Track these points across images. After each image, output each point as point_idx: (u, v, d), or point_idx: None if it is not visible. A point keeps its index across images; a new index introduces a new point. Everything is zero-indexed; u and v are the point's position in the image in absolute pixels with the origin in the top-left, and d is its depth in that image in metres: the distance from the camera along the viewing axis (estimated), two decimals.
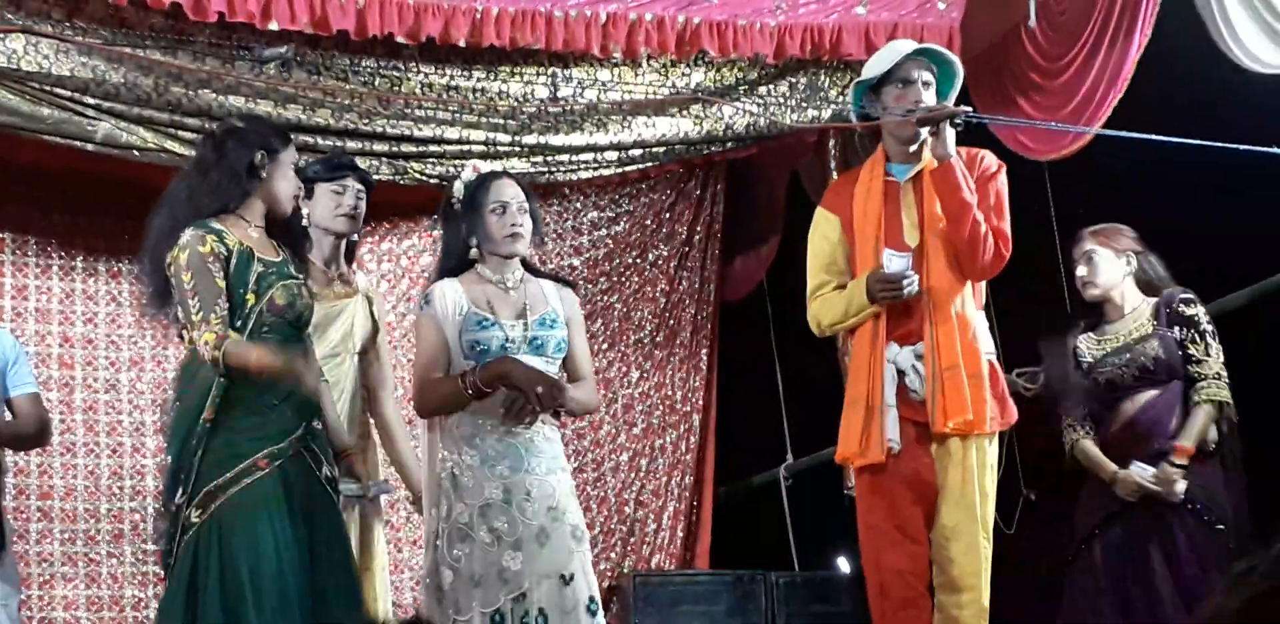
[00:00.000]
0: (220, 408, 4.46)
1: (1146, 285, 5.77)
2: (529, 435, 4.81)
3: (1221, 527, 5.44)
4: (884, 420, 4.94)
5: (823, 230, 5.22)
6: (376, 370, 5.49)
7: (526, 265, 5.01)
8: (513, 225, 4.90)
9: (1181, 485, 5.43)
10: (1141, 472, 5.46)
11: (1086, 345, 5.79)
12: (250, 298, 4.52)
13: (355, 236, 5.51)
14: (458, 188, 5.05)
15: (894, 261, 4.95)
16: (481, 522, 4.73)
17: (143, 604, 7.29)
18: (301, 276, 4.74)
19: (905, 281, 4.93)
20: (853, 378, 5.12)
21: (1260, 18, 5.86)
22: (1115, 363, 5.67)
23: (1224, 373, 5.55)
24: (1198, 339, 5.58)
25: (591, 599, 4.74)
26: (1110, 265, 5.75)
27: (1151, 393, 5.62)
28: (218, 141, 4.70)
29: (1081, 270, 5.77)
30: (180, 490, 4.45)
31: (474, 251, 4.95)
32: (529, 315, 4.87)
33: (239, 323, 4.48)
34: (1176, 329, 5.62)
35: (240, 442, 4.46)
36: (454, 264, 4.97)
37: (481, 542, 4.71)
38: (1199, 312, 5.64)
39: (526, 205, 4.93)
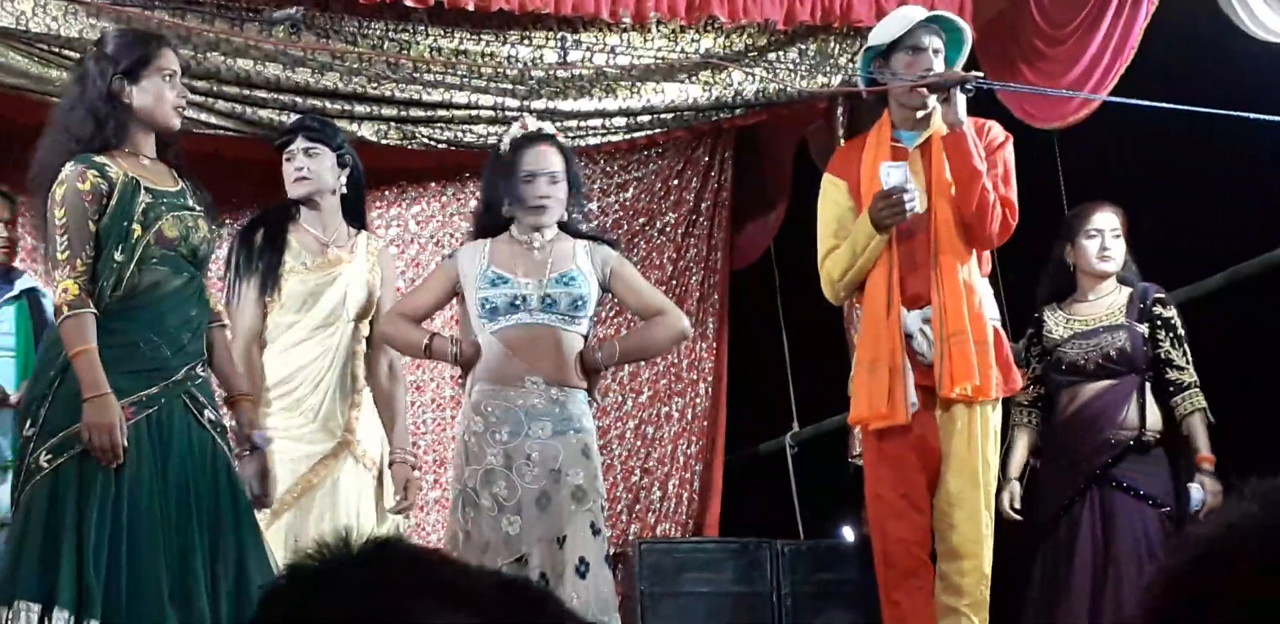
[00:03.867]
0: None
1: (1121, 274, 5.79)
2: (532, 400, 4.82)
3: (1166, 509, 5.53)
4: (906, 382, 4.93)
5: (831, 196, 5.21)
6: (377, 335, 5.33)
7: (566, 226, 5.01)
8: (539, 198, 4.92)
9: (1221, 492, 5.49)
10: (1199, 494, 5.48)
11: (1054, 321, 5.78)
12: (136, 229, 4.21)
13: (342, 190, 5.29)
14: (504, 143, 5.07)
15: (891, 174, 4.86)
16: (485, 487, 4.78)
17: None
18: (201, 208, 4.42)
19: (907, 196, 4.85)
20: (866, 341, 5.07)
21: None
22: (1081, 346, 5.68)
23: (1197, 379, 5.61)
24: (1177, 344, 5.63)
25: (582, 560, 4.71)
26: (1124, 246, 5.74)
27: (1107, 383, 5.65)
28: (80, 73, 4.39)
29: (1109, 243, 5.71)
30: (29, 423, 4.18)
31: (506, 210, 4.99)
32: (548, 274, 4.89)
33: (122, 255, 4.19)
34: (1146, 325, 5.64)
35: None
36: (490, 221, 5.04)
37: (484, 507, 4.75)
38: (1174, 313, 5.68)
39: (561, 175, 4.94)
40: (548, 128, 5.22)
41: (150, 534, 4.10)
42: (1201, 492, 5.48)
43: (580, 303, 4.89)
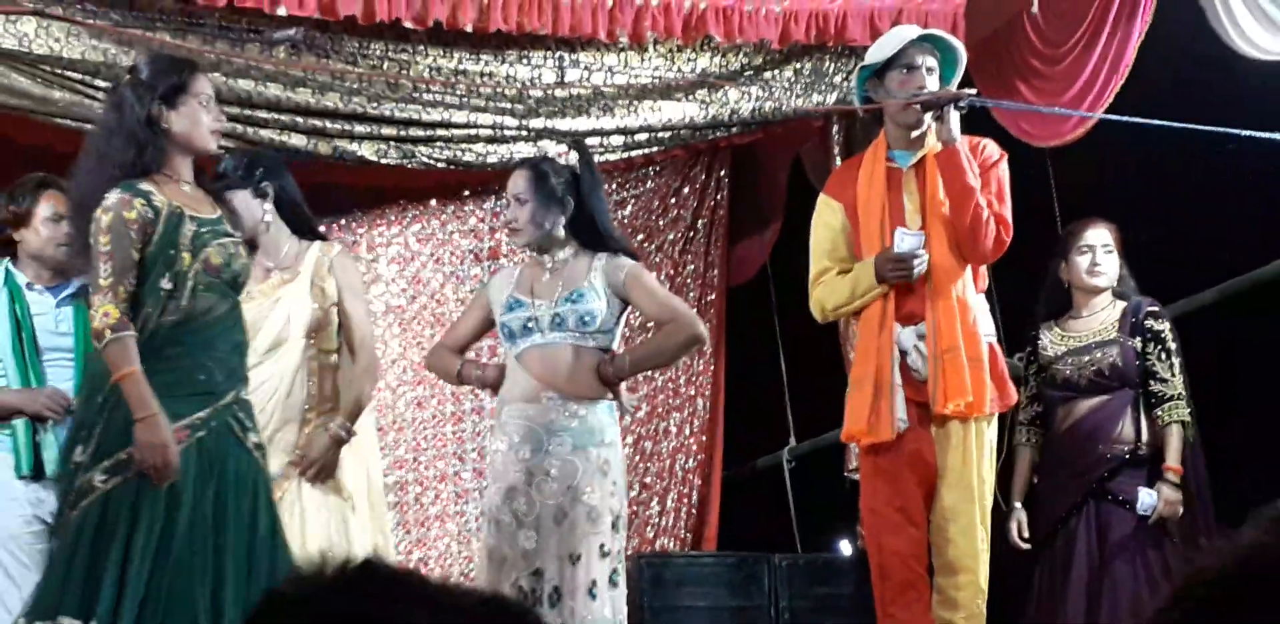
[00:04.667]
0: (139, 357, 4.16)
1: (1117, 289, 5.82)
2: (549, 416, 4.89)
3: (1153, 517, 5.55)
4: (893, 399, 4.97)
5: (825, 217, 5.25)
6: (349, 340, 5.22)
7: (587, 241, 5.07)
8: (507, 222, 5.10)
9: (1179, 503, 5.54)
10: (1150, 499, 5.53)
11: (1049, 338, 5.83)
12: (186, 257, 4.26)
13: (270, 218, 5.21)
14: None
15: (906, 241, 4.96)
16: (506, 504, 4.86)
17: None
18: (239, 234, 4.48)
19: (916, 262, 4.95)
20: (859, 358, 5.13)
21: (1258, 5, 5.89)
22: (1074, 362, 5.72)
23: (1185, 392, 5.62)
24: (1164, 356, 5.65)
25: (594, 583, 4.78)
26: (1117, 261, 5.78)
27: (1101, 398, 5.68)
28: (116, 100, 4.41)
29: (1100, 259, 5.76)
30: (80, 449, 4.19)
31: None
32: (559, 294, 4.96)
33: (170, 284, 4.22)
34: (1138, 339, 5.67)
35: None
36: None
37: (504, 523, 4.83)
38: (1166, 327, 5.70)
39: (526, 195, 5.01)
40: (551, 150, 5.31)
41: (191, 559, 4.13)
42: (1154, 497, 5.51)
43: (589, 318, 4.94)
